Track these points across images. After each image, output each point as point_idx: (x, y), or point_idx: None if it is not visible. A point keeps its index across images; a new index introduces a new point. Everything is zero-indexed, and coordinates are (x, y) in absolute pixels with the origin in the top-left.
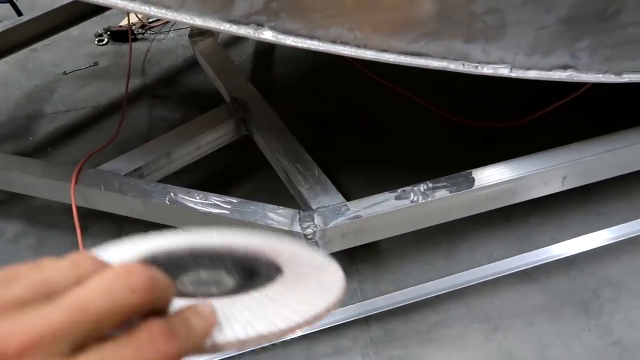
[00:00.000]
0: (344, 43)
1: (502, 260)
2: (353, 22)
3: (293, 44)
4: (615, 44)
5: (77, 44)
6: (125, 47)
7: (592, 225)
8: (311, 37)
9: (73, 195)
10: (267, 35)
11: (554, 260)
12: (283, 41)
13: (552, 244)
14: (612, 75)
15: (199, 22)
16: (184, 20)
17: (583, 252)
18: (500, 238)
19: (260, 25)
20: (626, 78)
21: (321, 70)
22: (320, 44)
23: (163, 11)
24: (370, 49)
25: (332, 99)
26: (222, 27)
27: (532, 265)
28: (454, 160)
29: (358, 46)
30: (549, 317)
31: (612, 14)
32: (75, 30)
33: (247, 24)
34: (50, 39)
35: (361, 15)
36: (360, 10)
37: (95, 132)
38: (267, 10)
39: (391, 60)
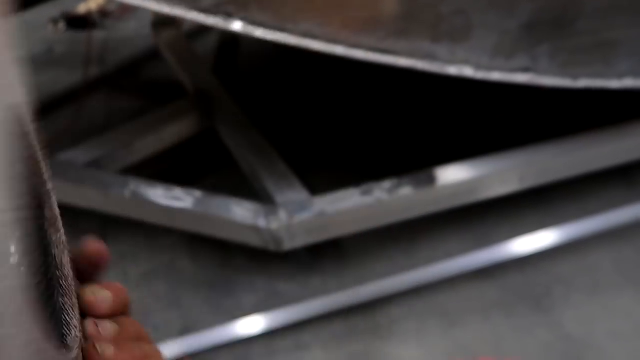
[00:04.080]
0: (314, 37)
1: (461, 257)
2: (323, 17)
3: (262, 36)
4: (573, 50)
5: (31, 28)
6: (82, 34)
7: (546, 224)
8: (281, 30)
9: None
10: (237, 26)
11: (509, 258)
12: (252, 32)
13: (510, 241)
14: (569, 80)
15: (166, 9)
16: (152, 7)
17: (537, 250)
18: (460, 236)
19: (229, 15)
20: (582, 83)
21: (287, 65)
22: (290, 37)
23: None
24: (340, 44)
25: (298, 94)
26: (190, 16)
27: (490, 263)
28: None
29: (328, 41)
30: (504, 313)
31: (570, 21)
32: (28, 15)
33: (216, 13)
34: None
35: (331, 10)
36: (331, 6)
37: (50, 122)
38: (237, 0)
39: (360, 56)
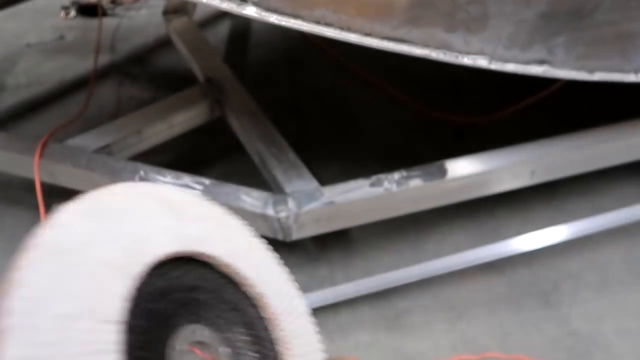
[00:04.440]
0: (328, 24)
1: (469, 251)
2: (338, 4)
3: (277, 22)
4: (590, 42)
5: (42, 15)
6: (93, 21)
7: (556, 220)
8: (295, 17)
9: (37, 169)
10: (251, 11)
11: (518, 253)
12: (266, 18)
13: (519, 236)
14: (585, 73)
15: None
16: None
17: (546, 246)
18: (468, 230)
19: (243, 0)
20: (598, 76)
21: (296, 58)
22: (304, 23)
23: None
24: (354, 32)
25: (306, 87)
26: (204, 0)
27: (498, 258)
28: (425, 152)
29: (342, 28)
30: (511, 308)
31: (588, 12)
32: (40, 1)
33: None
34: (13, 8)
35: None
36: None
37: (60, 109)
38: None
39: (374, 45)
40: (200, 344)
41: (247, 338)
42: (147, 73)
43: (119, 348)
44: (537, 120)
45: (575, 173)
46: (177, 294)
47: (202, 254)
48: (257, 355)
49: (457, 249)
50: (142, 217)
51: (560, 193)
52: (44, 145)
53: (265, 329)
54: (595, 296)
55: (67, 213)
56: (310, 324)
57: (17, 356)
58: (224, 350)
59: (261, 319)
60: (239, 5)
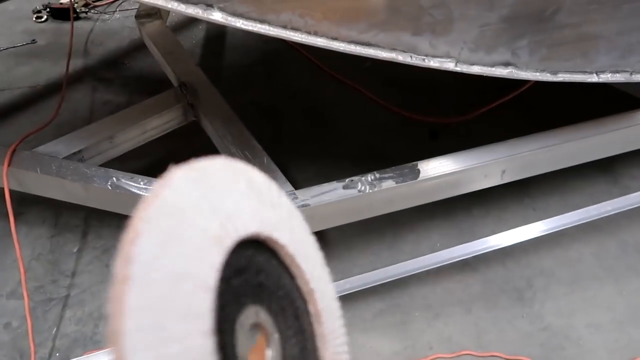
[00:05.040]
0: (295, 29)
1: (444, 250)
2: (304, 8)
3: (243, 27)
4: (552, 44)
5: (13, 19)
6: (66, 25)
7: (529, 218)
8: (262, 21)
9: (6, 178)
10: (217, 16)
11: (492, 251)
12: (233, 24)
13: (492, 235)
14: (549, 74)
15: None
16: None
17: (519, 243)
18: (444, 229)
19: (209, 5)
20: (561, 77)
21: (272, 60)
22: (271, 28)
23: None
24: (321, 36)
25: (282, 89)
26: (169, 5)
27: (472, 255)
28: (400, 153)
29: (309, 33)
30: (486, 305)
31: (550, 15)
32: (10, 5)
33: (195, 3)
34: None
35: (313, 1)
36: None
37: (32, 114)
38: None
39: (341, 48)
40: (258, 326)
41: (295, 328)
42: (121, 77)
43: (212, 315)
44: (510, 119)
45: (544, 172)
46: (249, 274)
47: (274, 240)
48: (300, 345)
49: (434, 249)
50: (236, 194)
51: (532, 191)
52: (13, 152)
53: (310, 323)
54: (567, 291)
55: (180, 178)
56: (342, 326)
57: (136, 306)
58: (274, 336)
59: (308, 313)
60: (204, 10)
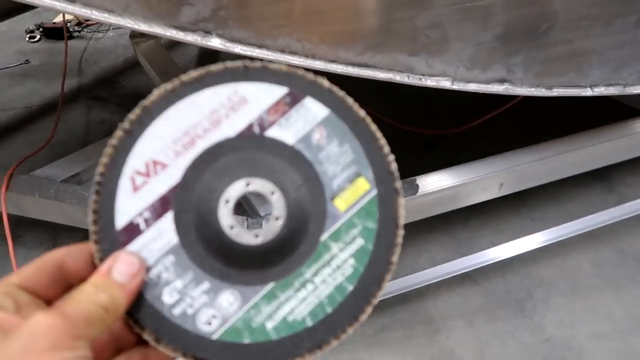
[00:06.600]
0: (293, 53)
1: (444, 264)
2: (301, 32)
3: (242, 52)
4: (546, 60)
5: (6, 39)
6: (59, 44)
7: (527, 228)
8: (260, 46)
9: (4, 202)
10: (215, 43)
11: (492, 263)
12: (231, 49)
13: (491, 247)
14: (544, 89)
15: (144, 27)
16: (128, 25)
17: (518, 255)
18: (443, 242)
19: (207, 32)
20: (556, 92)
21: None
22: (269, 53)
23: (105, 15)
24: (319, 59)
25: None
26: (168, 34)
27: (472, 268)
28: (397, 165)
29: (307, 56)
30: (488, 318)
31: (543, 32)
32: (2, 26)
33: (194, 31)
34: None
35: (309, 25)
36: (308, 21)
37: (27, 135)
38: (214, 18)
39: (339, 70)
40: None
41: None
42: (116, 95)
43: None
44: (504, 128)
45: (541, 183)
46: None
47: None
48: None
49: (433, 262)
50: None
51: (529, 201)
52: (10, 176)
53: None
54: (567, 302)
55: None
56: None
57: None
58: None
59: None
60: (203, 37)
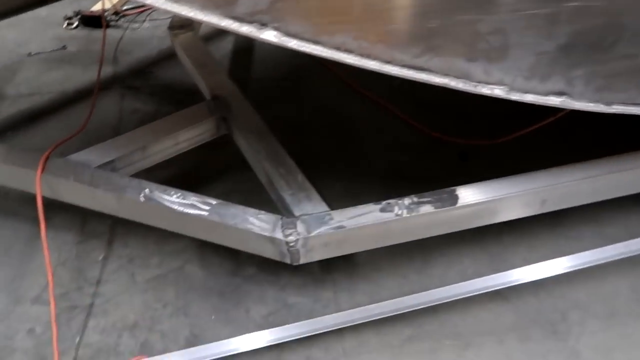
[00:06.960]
0: (348, 51)
1: (476, 279)
2: (359, 30)
3: (296, 47)
4: (609, 74)
5: (44, 25)
6: (95, 32)
7: (561, 247)
8: (315, 42)
9: (39, 184)
10: (270, 35)
11: (524, 282)
12: (286, 44)
13: (524, 263)
14: (602, 105)
15: (200, 15)
16: (185, 13)
17: (553, 275)
18: (474, 255)
19: (263, 24)
20: (614, 109)
21: (300, 75)
22: (325, 49)
23: (162, 1)
24: (374, 59)
25: (309, 104)
26: (223, 23)
27: (504, 286)
28: (429, 174)
29: (362, 55)
30: (519, 337)
31: (608, 45)
32: (42, 11)
33: (250, 22)
34: (15, 17)
35: (368, 24)
36: (367, 19)
37: (60, 119)
38: (272, 9)
39: (394, 72)
40: None
41: None
42: (149, 86)
43: None
44: (539, 144)
45: (585, 202)
46: None
47: None
48: None
49: (464, 275)
50: None
51: (565, 220)
52: (47, 159)
53: None
54: (603, 327)
55: None
56: None
57: None
58: None
59: None
60: (258, 29)
